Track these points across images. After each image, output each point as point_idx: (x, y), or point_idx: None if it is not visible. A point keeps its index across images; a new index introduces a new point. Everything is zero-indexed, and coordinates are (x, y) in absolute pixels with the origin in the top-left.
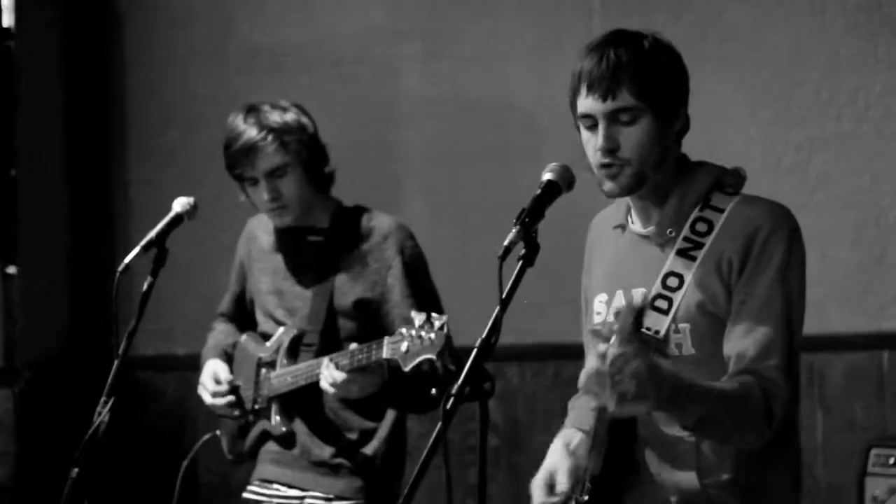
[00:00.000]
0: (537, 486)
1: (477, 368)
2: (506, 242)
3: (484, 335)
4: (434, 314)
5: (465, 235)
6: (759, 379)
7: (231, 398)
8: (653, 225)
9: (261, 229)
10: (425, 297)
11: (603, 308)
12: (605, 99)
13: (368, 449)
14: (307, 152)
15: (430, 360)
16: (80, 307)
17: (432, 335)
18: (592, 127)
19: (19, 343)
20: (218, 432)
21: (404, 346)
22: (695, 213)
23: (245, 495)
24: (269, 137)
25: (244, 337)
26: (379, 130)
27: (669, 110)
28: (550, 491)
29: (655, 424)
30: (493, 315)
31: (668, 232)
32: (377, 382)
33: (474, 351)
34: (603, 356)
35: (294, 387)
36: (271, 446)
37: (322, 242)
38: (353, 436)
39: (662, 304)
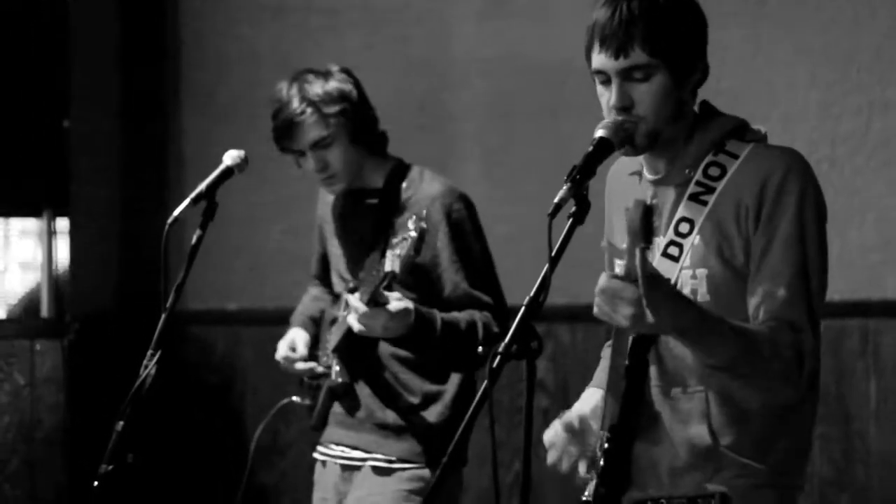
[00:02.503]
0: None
1: (524, 327)
2: (556, 199)
3: (532, 293)
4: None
5: (519, 195)
6: (788, 326)
7: (307, 365)
8: (662, 173)
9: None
10: (474, 260)
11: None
12: (617, 56)
13: (431, 414)
14: (350, 121)
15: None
16: (131, 260)
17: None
18: (606, 82)
19: (69, 296)
20: (296, 398)
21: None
22: (708, 158)
23: (315, 455)
24: (309, 110)
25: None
26: (434, 90)
27: (685, 65)
28: (580, 438)
29: (669, 377)
30: (542, 273)
31: (686, 172)
32: (403, 325)
33: (522, 309)
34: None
35: (342, 334)
36: (338, 408)
37: (376, 205)
38: (415, 399)
39: (674, 250)
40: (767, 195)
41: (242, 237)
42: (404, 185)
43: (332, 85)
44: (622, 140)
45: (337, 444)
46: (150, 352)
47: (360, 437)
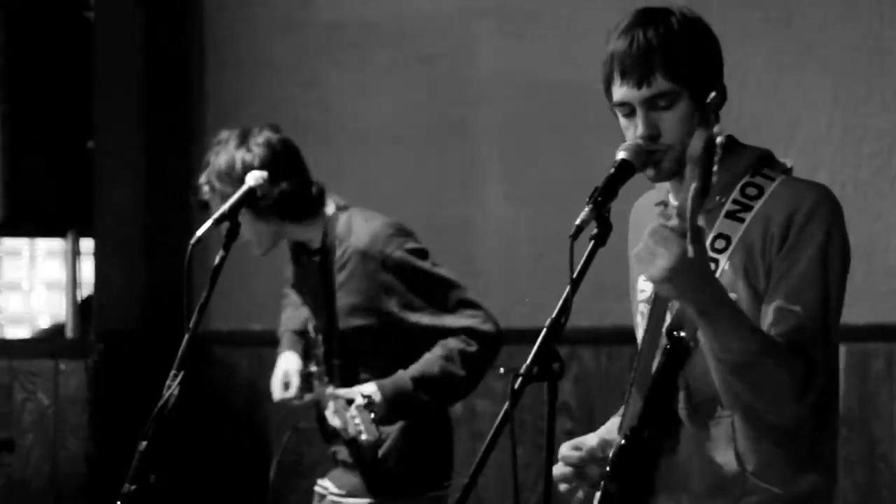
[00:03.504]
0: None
1: (546, 348)
2: (577, 221)
3: (553, 315)
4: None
5: (542, 215)
6: (801, 345)
7: (307, 400)
8: None
9: None
10: (427, 292)
11: (648, 286)
12: (640, 86)
13: (381, 449)
14: (254, 199)
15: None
16: (155, 281)
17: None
18: (630, 114)
19: (94, 316)
20: (303, 424)
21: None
22: (746, 179)
23: (315, 489)
24: (206, 188)
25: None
26: (456, 109)
27: (706, 88)
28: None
29: (696, 401)
30: (564, 295)
31: (716, 199)
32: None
33: (543, 331)
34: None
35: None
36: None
37: (318, 263)
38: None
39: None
40: (794, 224)
41: (266, 258)
42: (336, 243)
43: (240, 158)
44: (644, 162)
45: (325, 480)
46: (173, 372)
47: (332, 471)
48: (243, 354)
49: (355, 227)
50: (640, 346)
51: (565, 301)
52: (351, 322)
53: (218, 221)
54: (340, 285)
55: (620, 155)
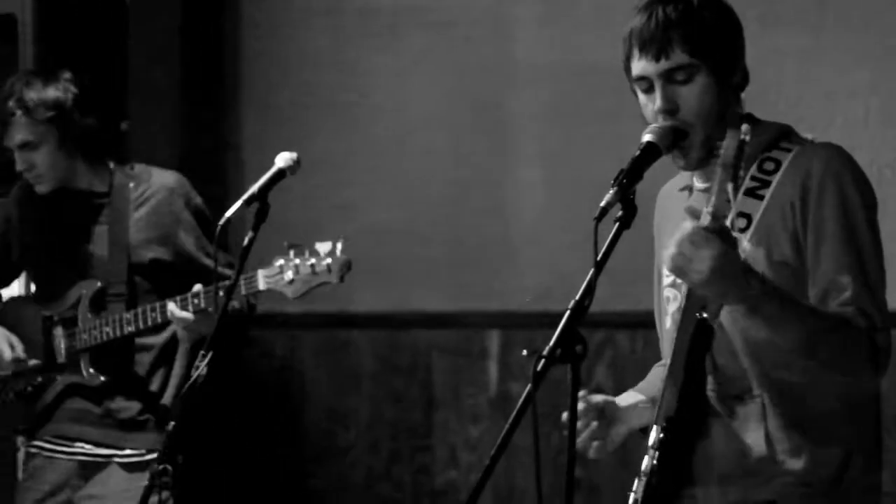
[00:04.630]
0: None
1: (569, 330)
2: (602, 203)
3: (577, 297)
4: (320, 242)
5: (578, 199)
6: (859, 313)
7: (35, 362)
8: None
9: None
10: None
11: None
12: (658, 59)
13: (166, 400)
14: (59, 128)
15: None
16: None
17: (328, 261)
18: (649, 90)
19: None
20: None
21: (288, 275)
22: (762, 156)
23: (31, 451)
24: (19, 112)
25: (9, 300)
26: (493, 94)
27: (725, 65)
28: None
29: (725, 384)
30: (588, 277)
31: None
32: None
33: (567, 313)
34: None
35: (114, 336)
36: (71, 403)
37: (108, 204)
38: (154, 386)
39: None
40: (810, 191)
41: (300, 241)
42: (132, 185)
43: (50, 92)
44: (670, 145)
45: (73, 441)
46: (201, 352)
47: (103, 432)
48: (278, 336)
49: (155, 172)
50: (673, 333)
51: (589, 283)
52: (145, 255)
53: (248, 202)
54: (137, 221)
55: (646, 137)
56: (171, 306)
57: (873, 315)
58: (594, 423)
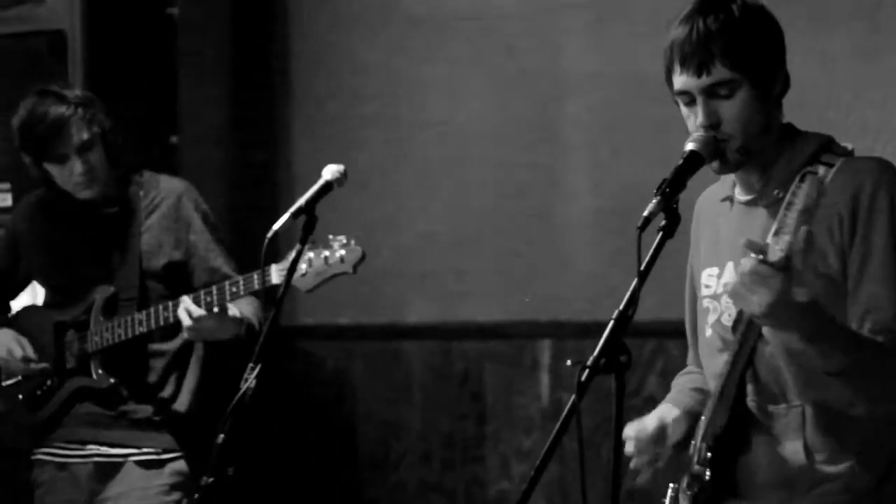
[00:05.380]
0: (642, 434)
1: (613, 340)
2: (645, 213)
3: (621, 307)
4: (333, 236)
5: (627, 209)
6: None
7: (44, 365)
8: (755, 192)
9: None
10: (225, 245)
11: (713, 282)
12: (699, 74)
13: (179, 405)
14: (101, 127)
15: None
16: (239, 272)
17: (342, 252)
18: (691, 103)
19: None
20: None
21: (301, 268)
22: (805, 169)
23: (42, 457)
24: (79, 112)
25: (23, 308)
26: (543, 103)
27: (767, 76)
28: (660, 441)
29: (765, 393)
30: (631, 287)
31: (774, 193)
32: (230, 331)
33: (611, 323)
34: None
35: (126, 337)
36: (83, 408)
37: (118, 213)
38: (167, 392)
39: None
40: (861, 205)
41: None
42: (141, 192)
43: (86, 92)
44: (712, 153)
45: (85, 444)
46: (250, 365)
47: (117, 433)
48: (330, 348)
49: (163, 179)
50: (716, 343)
51: (633, 293)
52: (158, 261)
53: (295, 215)
54: (149, 227)
55: (689, 146)
56: (185, 299)
57: None
58: (653, 453)
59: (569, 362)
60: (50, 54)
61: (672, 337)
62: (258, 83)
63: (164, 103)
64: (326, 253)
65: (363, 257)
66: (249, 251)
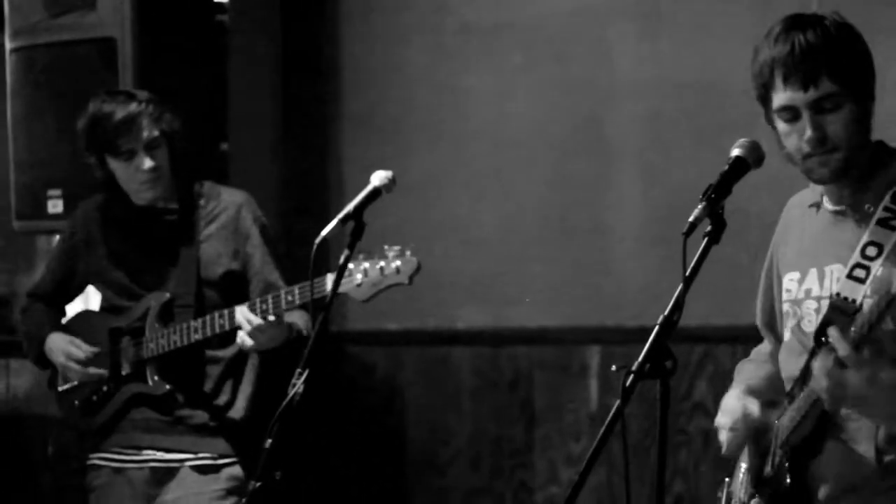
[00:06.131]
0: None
1: (658, 346)
2: (691, 218)
3: (666, 313)
4: (389, 245)
5: (675, 215)
6: None
7: (102, 371)
8: (846, 203)
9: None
10: (281, 259)
11: (794, 286)
12: (806, 88)
13: (235, 412)
14: (167, 128)
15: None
16: (290, 281)
17: (397, 262)
18: (792, 119)
19: None
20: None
21: (357, 278)
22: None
23: (98, 462)
24: (150, 109)
25: (78, 314)
26: (591, 110)
27: (867, 91)
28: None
29: None
30: (676, 292)
31: (865, 207)
32: (282, 338)
33: (656, 328)
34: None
35: (181, 345)
36: (139, 413)
37: (178, 220)
38: (222, 399)
39: (860, 272)
40: None
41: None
42: (202, 201)
43: (148, 92)
44: (757, 160)
45: (141, 449)
46: (298, 370)
47: (174, 439)
48: (380, 354)
49: (223, 189)
50: (796, 348)
51: (678, 299)
52: (217, 270)
53: (343, 221)
54: (208, 236)
55: (735, 152)
56: (240, 308)
57: None
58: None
59: (614, 367)
60: (100, 62)
61: (721, 342)
62: (308, 90)
63: (213, 111)
64: (382, 263)
65: (419, 268)
66: (300, 257)
